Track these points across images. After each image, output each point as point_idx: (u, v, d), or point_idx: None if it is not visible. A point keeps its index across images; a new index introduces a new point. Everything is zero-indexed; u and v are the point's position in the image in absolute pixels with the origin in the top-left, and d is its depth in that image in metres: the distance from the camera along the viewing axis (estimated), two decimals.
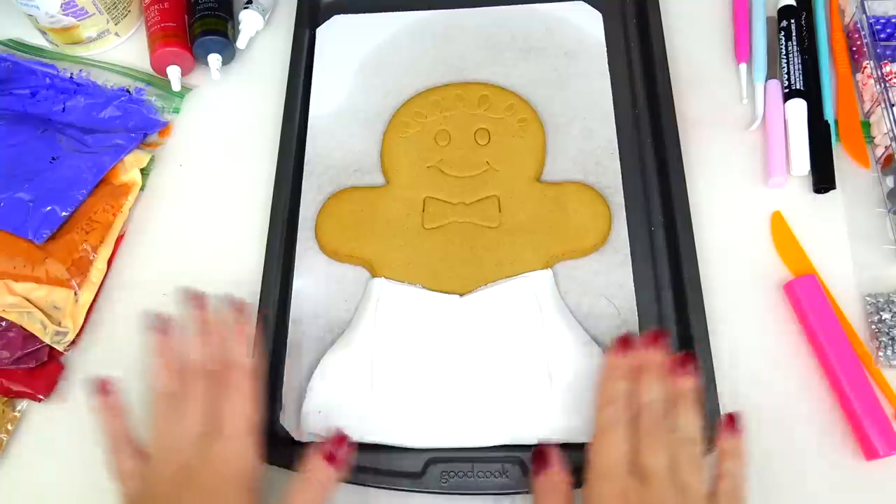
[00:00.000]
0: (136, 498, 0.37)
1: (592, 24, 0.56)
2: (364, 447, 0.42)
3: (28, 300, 0.48)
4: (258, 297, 0.47)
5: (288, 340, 0.46)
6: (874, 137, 0.51)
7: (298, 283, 0.48)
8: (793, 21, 0.55)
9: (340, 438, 0.38)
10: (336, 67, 0.56)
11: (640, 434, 0.36)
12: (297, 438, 0.43)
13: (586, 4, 0.57)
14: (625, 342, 0.40)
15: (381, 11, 0.58)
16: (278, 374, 0.45)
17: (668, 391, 0.38)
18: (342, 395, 0.43)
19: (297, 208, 0.50)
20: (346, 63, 0.56)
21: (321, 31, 0.58)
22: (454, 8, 0.58)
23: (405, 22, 0.58)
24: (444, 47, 0.56)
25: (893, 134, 0.48)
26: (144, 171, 0.54)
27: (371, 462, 0.42)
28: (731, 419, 0.38)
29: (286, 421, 0.44)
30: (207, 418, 0.38)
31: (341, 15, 0.59)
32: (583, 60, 0.54)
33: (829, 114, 0.52)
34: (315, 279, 0.48)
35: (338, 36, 0.58)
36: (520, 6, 0.57)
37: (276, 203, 0.50)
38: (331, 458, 0.37)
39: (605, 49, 0.55)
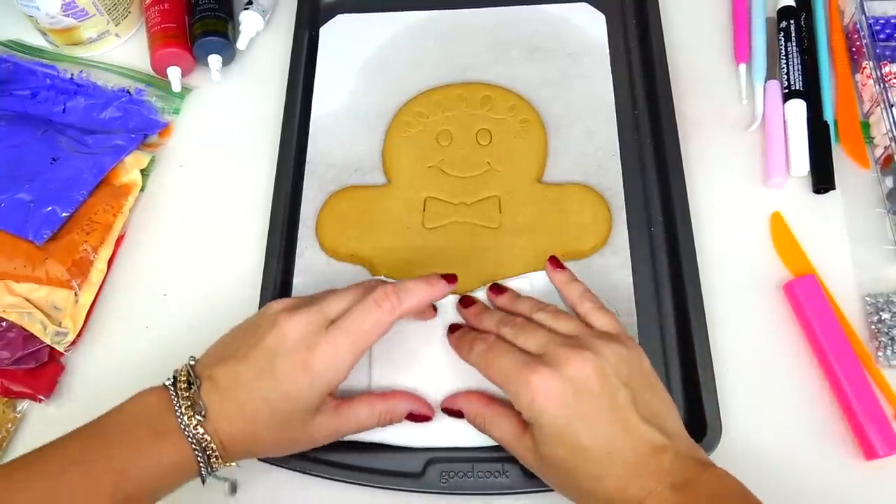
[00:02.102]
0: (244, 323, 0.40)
1: (595, 25, 0.56)
2: (364, 447, 0.42)
3: (28, 301, 0.48)
4: (258, 296, 0.47)
5: None
6: (874, 138, 0.51)
7: (298, 282, 0.48)
8: (792, 22, 0.55)
9: (428, 409, 0.42)
10: (339, 66, 0.56)
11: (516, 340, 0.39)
12: None
13: (589, 6, 0.57)
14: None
15: (383, 11, 0.58)
16: None
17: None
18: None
19: (298, 208, 0.50)
20: (348, 62, 0.56)
21: (324, 31, 0.58)
22: (457, 8, 0.58)
23: (408, 22, 0.58)
24: (447, 47, 0.56)
25: (893, 134, 0.48)
26: (145, 172, 0.54)
27: (371, 462, 0.42)
28: (554, 259, 0.44)
29: None
30: (338, 312, 0.38)
31: (345, 14, 0.59)
32: (586, 62, 0.54)
33: (829, 114, 0.52)
34: (315, 278, 0.48)
35: (341, 35, 0.58)
36: (523, 7, 0.57)
37: (276, 203, 0.50)
38: (412, 414, 0.41)
39: (608, 51, 0.55)
